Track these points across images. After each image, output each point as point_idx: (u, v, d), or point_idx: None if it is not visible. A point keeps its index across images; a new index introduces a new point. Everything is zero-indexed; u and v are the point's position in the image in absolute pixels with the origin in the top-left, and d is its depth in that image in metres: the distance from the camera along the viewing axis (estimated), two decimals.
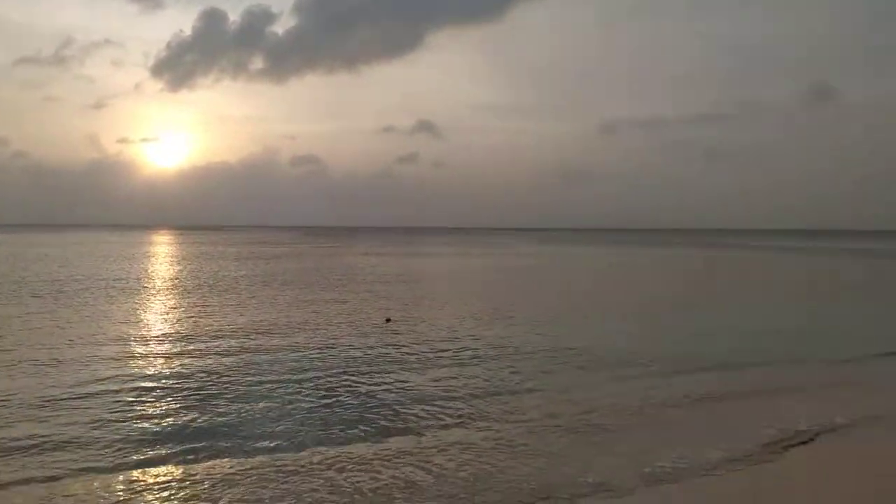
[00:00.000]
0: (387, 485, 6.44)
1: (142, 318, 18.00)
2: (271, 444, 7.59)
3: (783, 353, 13.35)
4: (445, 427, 8.38)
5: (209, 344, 13.92)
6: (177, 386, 10.28)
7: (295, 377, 10.95)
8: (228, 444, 7.57)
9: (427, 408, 9.21)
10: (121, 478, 6.55)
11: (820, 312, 21.00)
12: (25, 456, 7.07)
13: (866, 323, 18.32)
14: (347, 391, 10.11)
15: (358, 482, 6.50)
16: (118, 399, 9.44)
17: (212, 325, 16.48)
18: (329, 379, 10.85)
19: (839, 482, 6.49)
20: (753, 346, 14.01)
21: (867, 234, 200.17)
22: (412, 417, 8.77)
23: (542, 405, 9.38)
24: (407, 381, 10.79)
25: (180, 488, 6.31)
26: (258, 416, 8.79)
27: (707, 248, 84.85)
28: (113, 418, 8.50)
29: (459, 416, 8.82)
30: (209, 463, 7.00)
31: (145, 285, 27.30)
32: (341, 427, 8.35)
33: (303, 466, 6.90)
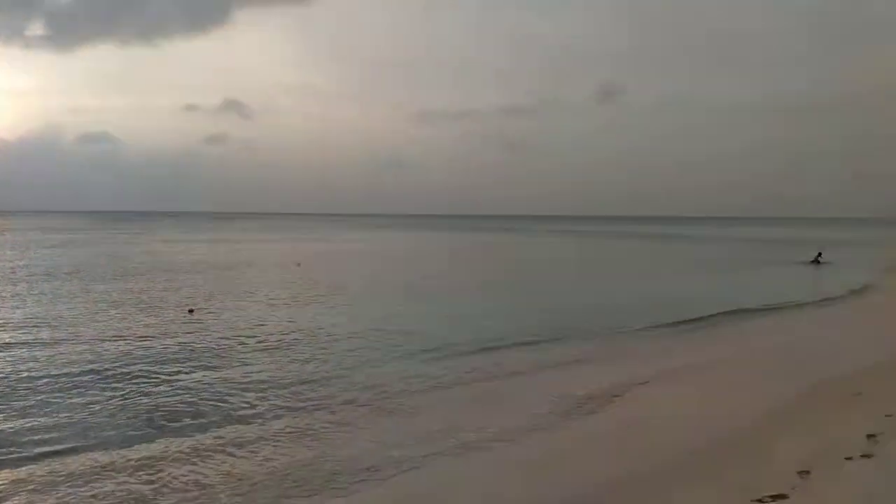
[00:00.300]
0: (175, 487, 6.16)
1: None
2: (49, 449, 6.87)
3: (572, 327, 14.67)
4: (243, 421, 8.22)
5: None
6: None
7: (80, 373, 10.03)
8: None
9: (229, 400, 8.97)
10: None
11: (600, 290, 23.23)
12: None
13: (641, 299, 20.56)
14: (139, 387, 9.46)
15: (147, 484, 6.19)
16: None
17: None
18: (120, 374, 10.09)
19: (624, 442, 7.34)
20: (551, 323, 15.22)
21: (650, 219, 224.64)
22: (209, 411, 8.46)
23: (342, 392, 9.50)
24: (209, 374, 10.37)
25: None
26: (32, 417, 7.99)
27: (509, 233, 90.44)
28: None
29: (259, 407, 8.68)
30: None
31: None
32: (127, 426, 7.78)
33: (77, 472, 6.36)
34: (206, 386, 9.66)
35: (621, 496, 5.57)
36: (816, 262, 34.21)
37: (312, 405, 8.80)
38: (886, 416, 7.17)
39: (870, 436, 6.50)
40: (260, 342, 12.95)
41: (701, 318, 16.11)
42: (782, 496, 5.20)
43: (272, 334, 13.73)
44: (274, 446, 7.24)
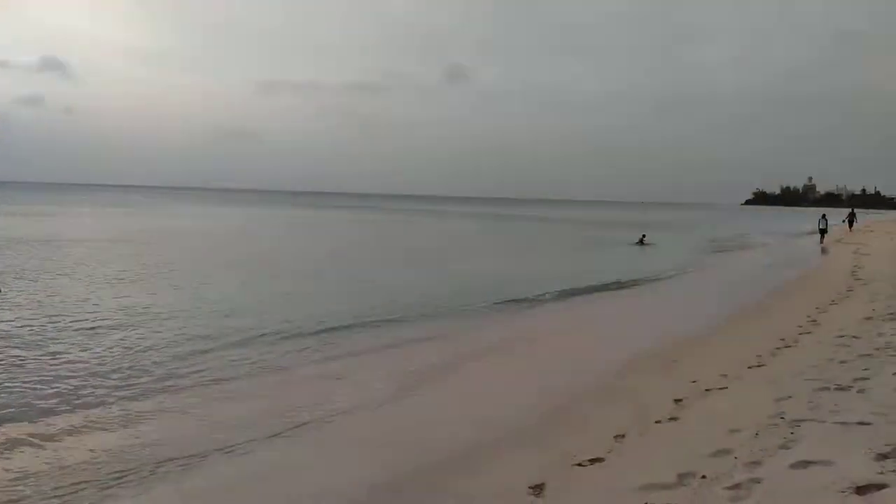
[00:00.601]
0: None
1: None
2: None
3: (414, 306, 14.81)
4: (60, 409, 7.48)
5: None
6: None
7: None
8: None
9: (44, 387, 8.13)
10: None
11: (445, 269, 23.66)
12: None
13: (483, 277, 21.19)
14: None
15: None
16: None
17: None
18: None
19: (456, 416, 7.48)
20: (392, 302, 15.24)
21: (496, 200, 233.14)
22: (22, 400, 7.62)
23: (167, 377, 8.95)
24: (21, 359, 9.36)
25: None
26: None
27: (357, 211, 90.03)
28: None
29: (79, 394, 7.95)
30: None
31: None
32: None
33: None
34: (18, 372, 8.68)
35: (454, 468, 5.67)
36: (641, 243, 37.12)
37: (137, 391, 8.17)
38: (692, 381, 7.90)
39: (677, 400, 7.12)
40: (79, 324, 11.86)
41: (537, 296, 16.78)
42: (599, 459, 5.55)
43: (92, 315, 12.62)
44: (96, 435, 6.65)
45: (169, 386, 8.41)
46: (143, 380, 8.63)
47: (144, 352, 10.08)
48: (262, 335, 11.43)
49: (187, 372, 9.05)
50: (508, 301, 15.86)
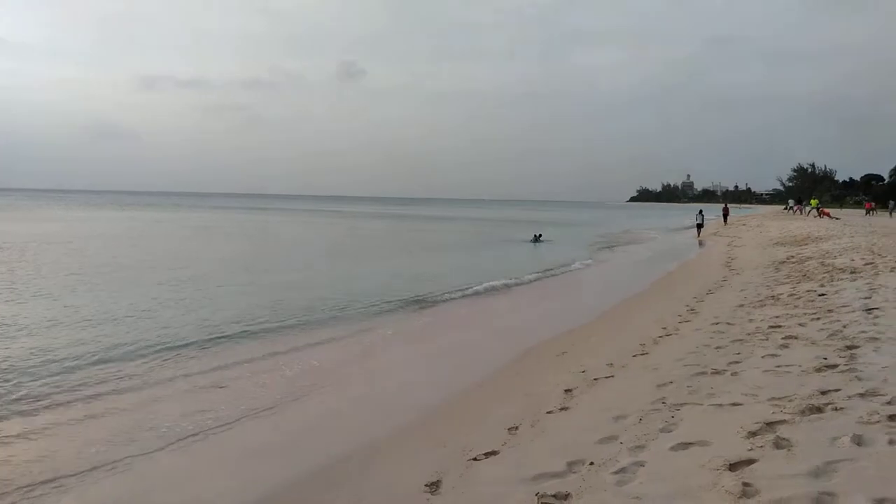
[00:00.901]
0: None
1: None
2: None
3: (311, 310, 14.48)
4: None
5: None
6: None
7: None
8: None
9: None
10: None
11: (345, 271, 23.35)
12: None
13: (383, 278, 21.06)
14: None
15: None
16: None
17: None
18: None
19: (350, 417, 7.36)
20: (289, 307, 14.85)
21: (392, 200, 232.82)
22: None
23: (41, 394, 8.34)
24: None
25: None
26: None
27: (249, 212, 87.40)
28: None
29: None
30: None
31: None
32: None
33: None
34: None
35: (346, 471, 5.57)
36: (536, 240, 38.15)
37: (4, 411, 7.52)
38: (581, 371, 8.16)
39: (567, 390, 7.33)
40: None
41: (430, 294, 16.83)
42: (494, 452, 5.62)
43: None
44: None
45: (40, 405, 7.77)
46: (6, 399, 7.94)
47: (8, 371, 9.27)
48: (149, 346, 10.68)
49: (59, 389, 8.37)
50: (400, 300, 15.68)
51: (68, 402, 7.82)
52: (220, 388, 8.56)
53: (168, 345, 10.78)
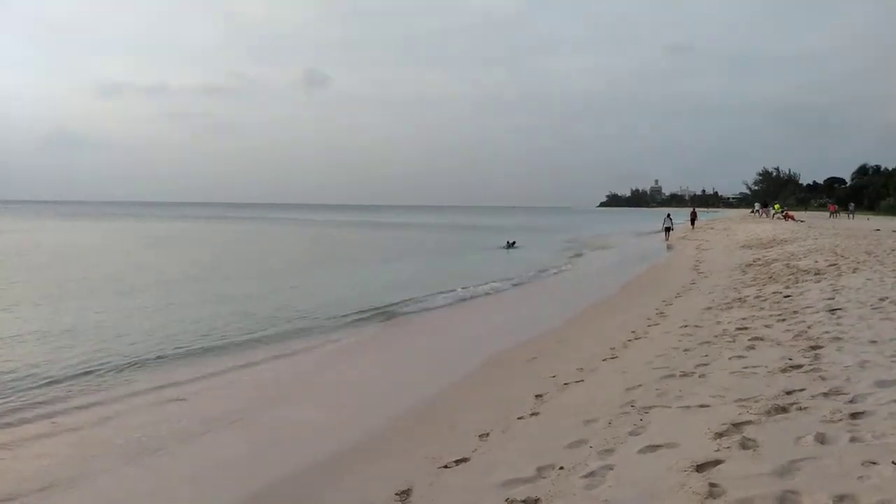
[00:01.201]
0: None
1: None
2: None
3: (269, 322, 14.30)
4: None
5: None
6: None
7: None
8: None
9: None
10: None
11: (309, 281, 23.13)
12: None
13: (352, 288, 20.90)
14: None
15: None
16: None
17: None
18: None
19: (311, 427, 7.26)
20: (241, 322, 14.65)
21: (361, 207, 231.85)
22: None
23: None
24: None
25: None
26: None
27: (209, 221, 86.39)
28: None
29: None
30: None
31: None
32: None
33: None
34: None
35: (315, 481, 5.49)
36: (509, 246, 38.30)
37: None
38: (552, 376, 8.18)
39: (538, 396, 7.33)
40: None
41: (403, 302, 16.71)
42: (465, 459, 5.58)
43: None
44: None
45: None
46: None
47: None
48: (97, 361, 10.21)
49: (16, 406, 8.09)
50: (371, 309, 15.33)
51: (27, 420, 7.59)
52: (181, 401, 8.35)
53: (128, 359, 10.41)
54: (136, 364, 10.15)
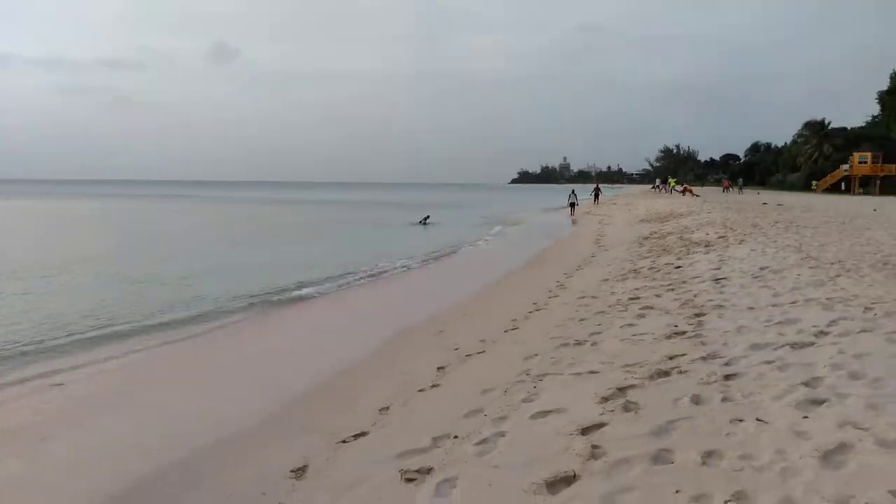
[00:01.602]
0: None
1: None
2: None
3: (171, 306, 13.80)
4: None
5: None
6: None
7: None
8: None
9: None
10: None
11: (214, 261, 22.40)
12: None
13: (268, 267, 20.38)
14: None
15: None
16: None
17: None
18: None
19: (212, 410, 7.06)
20: (138, 307, 14.08)
21: (275, 184, 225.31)
22: None
23: None
24: None
25: None
26: None
27: (116, 199, 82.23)
28: None
29: None
30: None
31: None
32: None
33: None
34: None
35: (207, 463, 5.37)
36: (424, 222, 38.34)
37: None
38: (455, 349, 8.31)
39: (440, 368, 7.44)
40: None
41: (311, 281, 16.45)
42: (363, 433, 5.61)
43: None
44: None
45: None
46: None
47: None
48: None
49: None
50: (278, 290, 14.84)
51: None
52: (65, 385, 7.84)
53: (13, 346, 9.77)
54: (22, 352, 9.54)
